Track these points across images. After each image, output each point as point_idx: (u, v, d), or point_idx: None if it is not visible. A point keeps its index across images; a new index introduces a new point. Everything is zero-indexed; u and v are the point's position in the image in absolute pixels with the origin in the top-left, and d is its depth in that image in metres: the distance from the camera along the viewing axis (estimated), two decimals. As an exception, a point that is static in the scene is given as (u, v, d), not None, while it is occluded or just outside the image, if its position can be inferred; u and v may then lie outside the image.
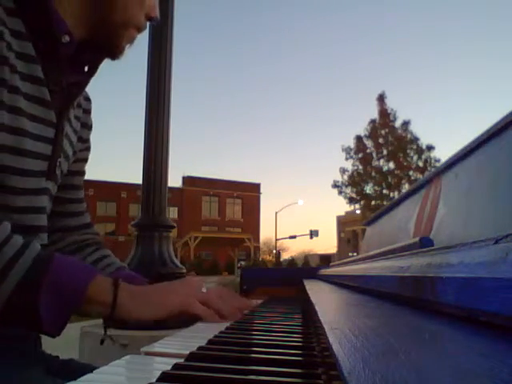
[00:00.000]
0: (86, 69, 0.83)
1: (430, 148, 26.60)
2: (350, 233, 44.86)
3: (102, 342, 0.81)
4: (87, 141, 0.97)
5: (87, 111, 0.95)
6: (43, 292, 0.59)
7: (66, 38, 0.74)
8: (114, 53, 0.83)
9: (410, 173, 26.49)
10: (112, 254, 0.96)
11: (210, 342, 0.52)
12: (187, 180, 43.00)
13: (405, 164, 26.54)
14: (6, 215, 0.67)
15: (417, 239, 0.71)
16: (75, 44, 0.77)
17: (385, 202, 23.16)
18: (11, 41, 0.68)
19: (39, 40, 0.72)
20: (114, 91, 65.92)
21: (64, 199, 0.93)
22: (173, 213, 39.28)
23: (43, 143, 0.74)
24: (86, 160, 0.98)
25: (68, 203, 0.94)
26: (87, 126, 0.95)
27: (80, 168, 0.96)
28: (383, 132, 27.14)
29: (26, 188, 0.71)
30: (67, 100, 0.80)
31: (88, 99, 0.96)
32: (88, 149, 0.98)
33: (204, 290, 0.77)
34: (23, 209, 0.71)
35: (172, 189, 36.01)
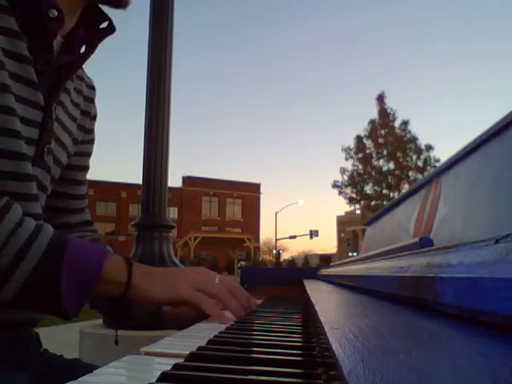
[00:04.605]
0: (83, 49, 0.79)
1: (429, 148, 26.65)
2: (349, 233, 44.86)
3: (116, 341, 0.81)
4: (91, 132, 0.93)
5: (89, 99, 0.90)
6: (63, 274, 0.59)
7: (54, 13, 0.69)
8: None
9: (410, 173, 26.52)
10: (113, 252, 0.94)
11: (210, 342, 0.52)
12: (187, 180, 42.99)
13: (404, 164, 26.57)
14: None
15: (417, 239, 0.71)
16: (63, 19, 0.72)
17: (385, 202, 23.17)
18: None
19: (23, 14, 0.67)
20: (114, 91, 65.93)
21: (66, 194, 0.90)
22: (173, 213, 39.28)
23: (30, 126, 0.70)
24: (89, 154, 0.94)
25: (70, 199, 0.92)
26: (89, 115, 0.91)
27: (83, 162, 0.93)
28: (383, 132, 27.17)
29: (13, 172, 0.67)
30: (57, 82, 0.75)
31: (92, 87, 0.91)
32: (92, 141, 0.94)
33: (217, 280, 0.75)
34: (11, 195, 0.67)
35: (172, 189, 36.02)
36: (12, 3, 0.67)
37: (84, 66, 0.86)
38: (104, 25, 0.81)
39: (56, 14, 0.70)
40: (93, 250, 0.65)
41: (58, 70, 0.75)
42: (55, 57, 0.74)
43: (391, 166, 27.14)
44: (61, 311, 0.60)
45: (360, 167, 27.51)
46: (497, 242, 0.29)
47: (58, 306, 0.59)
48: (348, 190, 27.61)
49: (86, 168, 0.95)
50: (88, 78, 0.91)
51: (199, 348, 0.48)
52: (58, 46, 0.76)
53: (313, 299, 0.75)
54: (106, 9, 0.82)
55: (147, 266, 0.72)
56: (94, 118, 0.93)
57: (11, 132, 0.66)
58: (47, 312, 0.64)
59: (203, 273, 0.76)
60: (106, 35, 0.81)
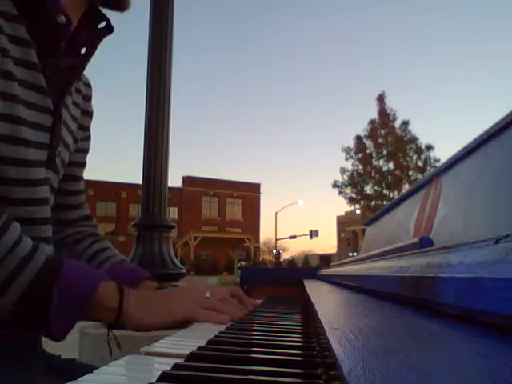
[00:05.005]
0: (83, 51, 0.80)
1: (429, 148, 26.64)
2: (349, 233, 44.89)
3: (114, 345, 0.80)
4: (88, 129, 0.94)
5: (87, 98, 0.92)
6: (54, 296, 0.59)
7: (62, 19, 0.71)
8: (122, 3, 0.80)
9: (410, 173, 26.52)
10: (112, 246, 0.94)
11: (209, 342, 0.52)
12: (187, 180, 43.01)
13: (404, 164, 26.57)
14: (6, 208, 0.64)
15: (417, 239, 0.71)
16: (71, 24, 0.73)
17: (385, 202, 23.18)
18: (2, 23, 0.64)
19: (33, 22, 0.68)
20: (114, 91, 65.96)
21: (65, 191, 0.90)
22: (173, 213, 39.30)
23: (41, 132, 0.71)
24: (87, 150, 0.96)
25: (69, 195, 0.93)
26: (88, 114, 0.92)
27: (81, 159, 0.94)
28: (383, 132, 27.17)
29: (26, 179, 0.68)
30: (64, 86, 0.77)
31: (88, 85, 0.93)
32: (88, 138, 0.96)
33: (208, 293, 0.77)
34: (23, 201, 0.68)
35: (172, 189, 36.05)
36: (21, 12, 0.67)
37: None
38: (102, 25, 0.82)
39: (64, 19, 0.71)
40: (87, 275, 0.65)
41: (64, 74, 0.76)
42: (60, 61, 0.75)
43: (391, 166, 27.14)
44: (49, 331, 0.60)
45: (360, 167, 27.51)
46: (497, 242, 0.29)
47: (47, 325, 0.60)
48: (348, 190, 27.62)
49: (83, 164, 0.96)
50: (84, 76, 0.92)
51: (199, 348, 0.48)
52: (61, 49, 0.76)
53: (313, 299, 0.75)
54: (105, 11, 0.82)
55: (139, 292, 0.72)
56: (91, 115, 0.95)
57: (20, 140, 0.67)
58: (37, 331, 0.64)
59: (194, 291, 0.76)
60: (105, 35, 0.82)
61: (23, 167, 0.68)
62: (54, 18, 0.70)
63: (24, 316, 0.60)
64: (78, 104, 0.88)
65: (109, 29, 0.82)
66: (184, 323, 0.70)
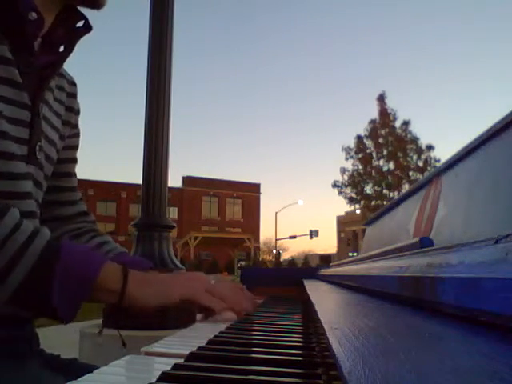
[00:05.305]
0: (62, 48, 0.80)
1: (429, 148, 26.64)
2: (350, 233, 44.92)
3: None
4: (76, 126, 0.95)
5: (72, 95, 0.92)
6: (55, 279, 0.59)
7: (33, 15, 0.71)
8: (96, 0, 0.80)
9: (410, 173, 26.51)
10: (112, 240, 0.94)
11: (210, 342, 0.52)
12: (187, 180, 43.03)
13: (405, 164, 26.56)
14: None
15: (417, 239, 0.71)
16: (43, 21, 0.73)
17: (385, 202, 23.17)
18: None
19: (3, 18, 0.69)
20: (114, 91, 65.97)
21: (60, 187, 0.91)
22: (173, 213, 39.32)
23: (19, 126, 0.72)
24: (76, 147, 0.97)
25: (64, 191, 0.93)
26: (74, 111, 0.93)
27: (71, 155, 0.95)
28: (383, 132, 27.16)
29: (5, 172, 0.68)
30: (41, 82, 0.77)
31: (73, 83, 0.93)
32: (77, 135, 0.96)
33: (212, 282, 0.77)
34: (5, 194, 0.69)
35: (172, 189, 36.05)
36: None
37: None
38: (80, 24, 0.82)
39: (35, 16, 0.71)
40: (89, 257, 0.65)
41: (40, 70, 0.76)
42: (36, 57, 0.75)
43: (391, 166, 27.13)
44: (54, 315, 0.61)
45: (360, 167, 27.51)
46: (497, 242, 0.29)
47: (51, 309, 0.60)
48: (348, 190, 27.61)
49: (74, 160, 0.97)
50: (68, 74, 0.92)
51: (199, 348, 0.48)
52: (37, 46, 0.77)
53: (313, 299, 0.75)
54: (88, 11, 0.82)
55: (142, 273, 0.72)
56: (78, 112, 0.95)
57: (0, 133, 0.66)
58: (42, 315, 0.64)
59: (199, 278, 0.76)
60: (83, 34, 0.82)
61: (3, 160, 0.68)
62: (24, 14, 0.70)
63: (26, 301, 0.60)
64: (62, 101, 0.88)
65: (87, 27, 0.82)
66: (186, 304, 0.71)
